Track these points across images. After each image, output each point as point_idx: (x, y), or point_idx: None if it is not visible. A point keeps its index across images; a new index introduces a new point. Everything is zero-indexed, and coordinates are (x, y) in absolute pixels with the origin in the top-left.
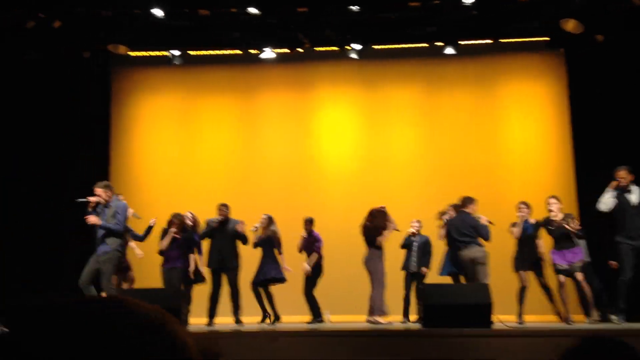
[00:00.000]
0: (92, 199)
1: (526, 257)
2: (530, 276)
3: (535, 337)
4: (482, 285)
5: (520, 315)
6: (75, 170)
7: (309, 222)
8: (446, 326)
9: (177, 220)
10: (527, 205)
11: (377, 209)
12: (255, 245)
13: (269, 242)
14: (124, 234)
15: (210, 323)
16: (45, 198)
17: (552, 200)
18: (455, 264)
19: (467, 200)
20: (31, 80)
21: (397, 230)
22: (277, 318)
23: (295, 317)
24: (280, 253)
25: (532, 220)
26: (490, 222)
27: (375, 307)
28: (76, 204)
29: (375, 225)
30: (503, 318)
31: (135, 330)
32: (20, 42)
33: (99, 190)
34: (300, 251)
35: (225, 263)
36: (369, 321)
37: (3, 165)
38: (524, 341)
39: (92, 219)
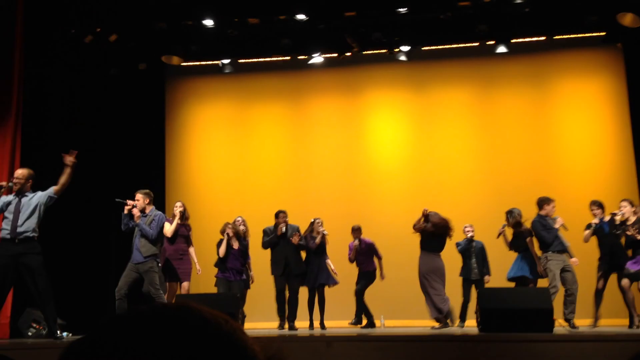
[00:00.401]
0: (130, 202)
1: (607, 258)
2: (613, 278)
3: (597, 342)
4: (542, 290)
5: (595, 319)
6: (132, 178)
7: (358, 231)
8: (505, 331)
9: (231, 230)
10: (599, 205)
11: (433, 213)
12: (272, 243)
13: (322, 247)
14: (156, 244)
15: (281, 326)
16: (101, 206)
17: (623, 204)
18: (530, 269)
19: (542, 201)
20: (88, 93)
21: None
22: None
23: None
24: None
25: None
26: (564, 226)
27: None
28: (116, 203)
29: (438, 229)
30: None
31: (209, 339)
32: (78, 56)
33: (139, 196)
34: (352, 261)
35: (291, 269)
36: (433, 327)
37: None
38: (585, 346)
39: (135, 211)
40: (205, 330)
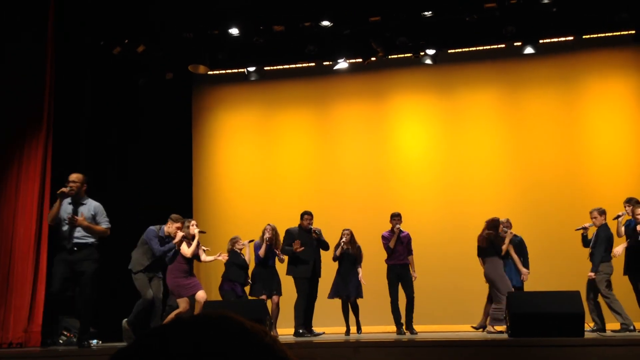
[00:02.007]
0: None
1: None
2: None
3: (628, 346)
4: (573, 293)
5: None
6: (160, 187)
7: (399, 217)
8: (535, 336)
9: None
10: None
11: (491, 219)
12: (338, 259)
13: (353, 258)
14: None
15: (301, 333)
16: (129, 213)
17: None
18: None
19: (631, 202)
20: (116, 103)
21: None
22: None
23: (378, 327)
24: (359, 267)
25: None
26: None
27: (495, 318)
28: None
29: (496, 233)
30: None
31: (252, 349)
32: (107, 67)
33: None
34: (391, 249)
35: (318, 272)
36: (488, 332)
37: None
38: (616, 351)
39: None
40: (248, 341)
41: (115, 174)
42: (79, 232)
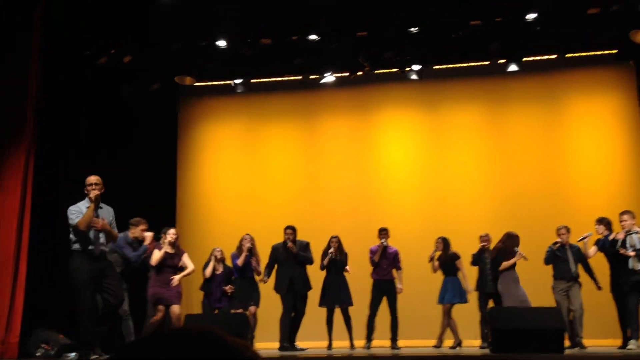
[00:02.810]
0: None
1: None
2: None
3: None
4: (553, 309)
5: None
6: (143, 198)
7: (386, 232)
8: (516, 351)
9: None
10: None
11: (510, 233)
12: (325, 267)
13: (341, 265)
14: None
15: (285, 347)
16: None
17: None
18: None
19: (602, 222)
20: (101, 113)
21: (525, 258)
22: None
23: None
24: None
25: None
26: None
27: None
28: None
29: (506, 247)
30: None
31: None
32: (92, 77)
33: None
34: (376, 263)
35: (302, 287)
36: None
37: (72, 194)
38: None
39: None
40: (229, 356)
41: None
42: (102, 238)
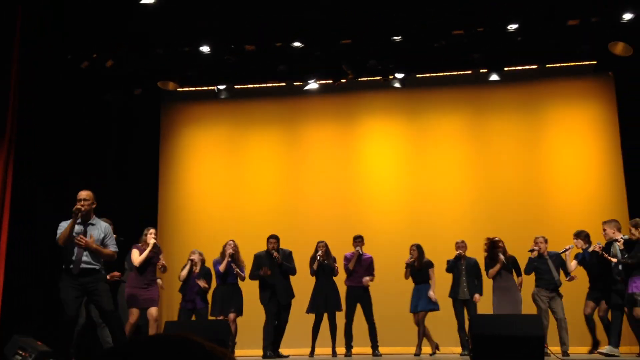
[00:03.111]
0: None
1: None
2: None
3: None
4: (533, 317)
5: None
6: (125, 203)
7: (361, 239)
8: (496, 358)
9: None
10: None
11: (492, 239)
12: (315, 273)
13: (329, 270)
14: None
15: (268, 355)
16: None
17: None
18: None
19: (580, 235)
20: (83, 118)
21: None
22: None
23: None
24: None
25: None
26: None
27: None
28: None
29: (490, 255)
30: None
31: None
32: (74, 81)
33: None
34: (351, 270)
35: (286, 295)
36: None
37: (53, 199)
38: None
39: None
40: None
41: (79, 190)
42: (87, 257)
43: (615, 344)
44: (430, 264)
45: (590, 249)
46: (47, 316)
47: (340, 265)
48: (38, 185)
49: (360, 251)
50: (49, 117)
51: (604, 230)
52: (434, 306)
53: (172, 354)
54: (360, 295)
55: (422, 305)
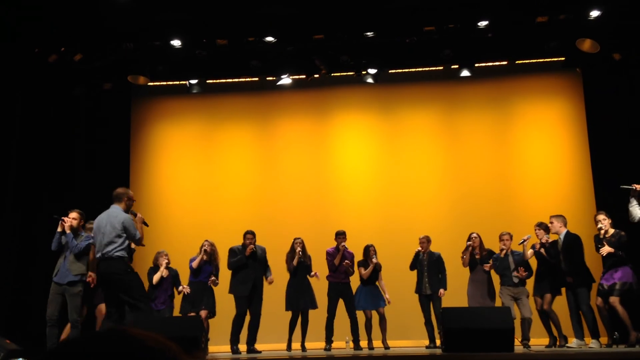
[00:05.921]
0: (67, 219)
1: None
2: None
3: None
4: (503, 309)
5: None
6: (95, 199)
7: (343, 235)
8: (467, 351)
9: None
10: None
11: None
12: (293, 270)
13: (305, 267)
14: (83, 262)
15: (235, 350)
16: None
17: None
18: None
19: (541, 226)
20: (51, 113)
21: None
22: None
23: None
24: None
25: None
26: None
27: None
28: (52, 220)
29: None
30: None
31: None
32: (42, 76)
33: (74, 214)
34: (336, 267)
35: (259, 291)
36: None
37: (22, 197)
38: None
39: (67, 226)
40: (144, 357)
41: (48, 188)
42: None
43: (580, 336)
44: (380, 266)
45: (544, 240)
46: (18, 315)
47: (322, 261)
48: (6, 183)
49: (344, 246)
50: (14, 112)
51: (551, 222)
52: (380, 304)
53: (109, 350)
54: (342, 291)
55: (365, 304)
